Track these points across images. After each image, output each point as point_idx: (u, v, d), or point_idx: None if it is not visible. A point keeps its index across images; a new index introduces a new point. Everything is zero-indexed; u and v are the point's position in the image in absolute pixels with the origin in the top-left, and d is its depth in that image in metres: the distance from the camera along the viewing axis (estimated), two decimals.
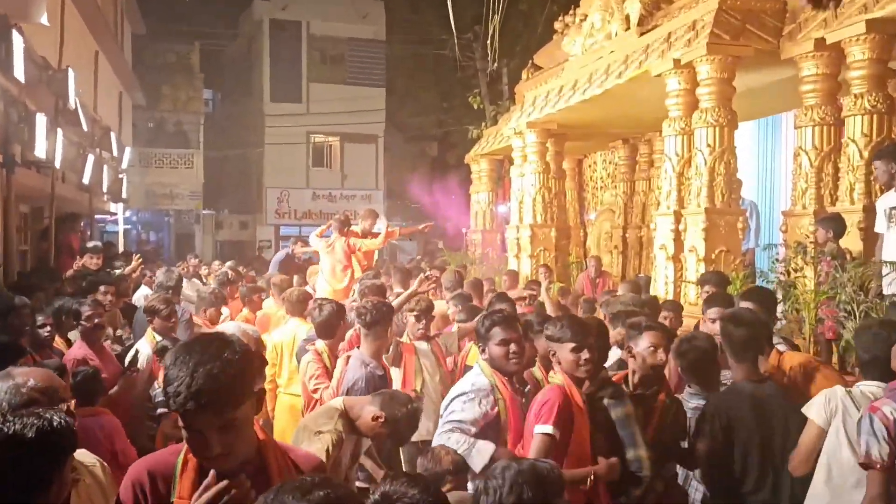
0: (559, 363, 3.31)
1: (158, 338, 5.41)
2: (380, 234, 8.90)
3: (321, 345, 4.75)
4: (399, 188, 30.99)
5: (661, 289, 7.54)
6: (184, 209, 26.73)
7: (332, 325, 4.73)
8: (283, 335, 5.82)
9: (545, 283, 7.93)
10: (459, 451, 3.22)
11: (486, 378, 3.51)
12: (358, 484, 3.65)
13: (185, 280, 8.49)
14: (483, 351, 3.58)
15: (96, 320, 4.96)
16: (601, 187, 14.20)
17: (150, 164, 25.40)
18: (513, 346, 3.52)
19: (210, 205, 28.51)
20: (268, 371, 5.53)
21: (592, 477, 3.10)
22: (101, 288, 6.41)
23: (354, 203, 27.76)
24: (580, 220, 14.59)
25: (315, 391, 4.47)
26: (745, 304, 4.28)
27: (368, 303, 4.42)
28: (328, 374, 4.55)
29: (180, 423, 1.91)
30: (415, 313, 5.07)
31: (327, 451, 3.04)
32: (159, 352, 5.01)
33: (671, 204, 7.48)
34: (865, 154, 6.00)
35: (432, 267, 11.69)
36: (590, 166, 14.62)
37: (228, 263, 14.70)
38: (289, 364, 5.58)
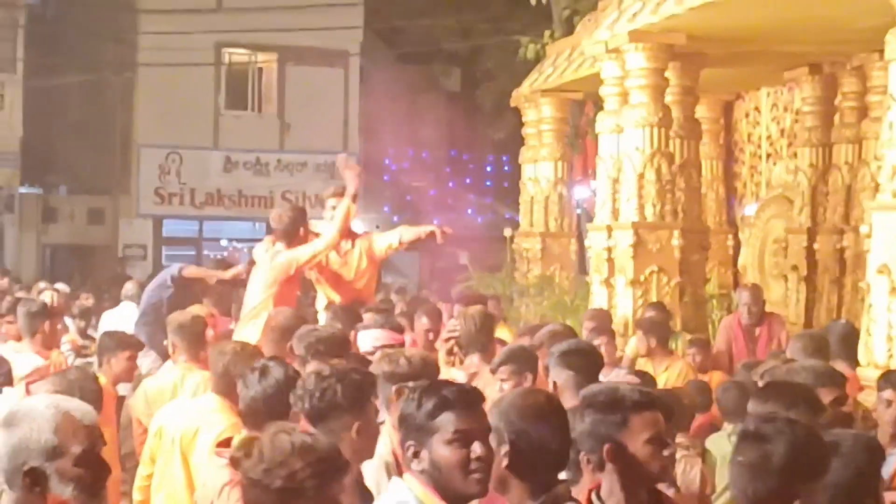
0: None
1: None
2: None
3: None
4: (386, 153, 31.10)
5: (879, 350, 7.58)
6: None
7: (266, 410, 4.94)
8: (185, 418, 6.00)
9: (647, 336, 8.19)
10: None
11: None
12: None
13: None
14: (416, 456, 3.84)
15: None
16: (769, 156, 14.18)
17: None
18: (477, 449, 3.77)
19: (34, 178, 28.74)
20: (143, 474, 6.08)
21: None
22: None
23: (303, 178, 27.89)
24: (727, 216, 14.57)
25: None
26: None
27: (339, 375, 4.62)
28: None
29: None
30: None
31: None
32: None
33: None
34: None
35: (447, 300, 11.67)
36: (747, 116, 14.64)
37: (59, 285, 14.83)
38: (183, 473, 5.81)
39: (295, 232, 9.27)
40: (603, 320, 9.39)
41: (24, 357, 8.07)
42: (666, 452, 4.02)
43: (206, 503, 4.76)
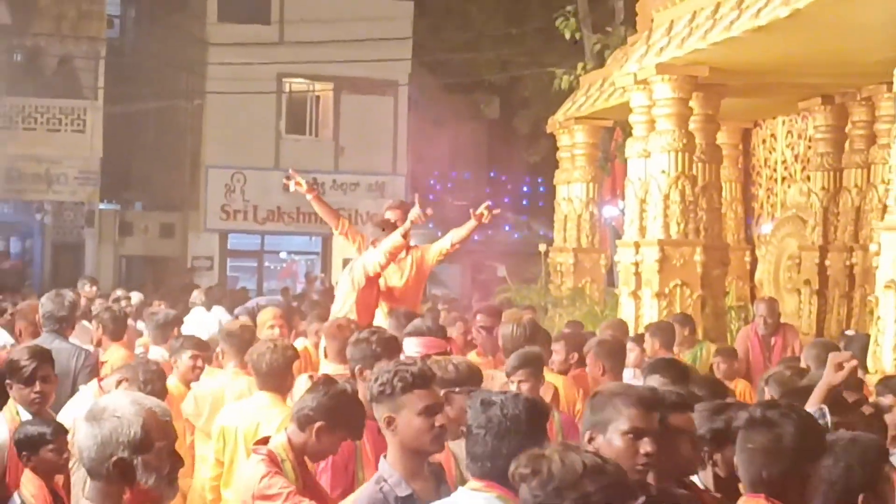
0: None
1: (23, 413, 5.52)
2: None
3: (281, 441, 4.94)
4: (431, 174, 31.17)
5: (886, 359, 7.58)
6: (68, 201, 27.29)
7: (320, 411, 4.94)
8: (244, 417, 6.06)
9: (679, 347, 8.25)
10: None
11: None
12: None
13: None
14: (389, 424, 4.10)
15: None
16: (783, 179, 14.13)
17: (12, 125, 25.99)
18: (438, 419, 4.04)
19: (112, 195, 29.02)
20: (211, 475, 6.07)
21: None
22: None
23: (355, 197, 28.00)
24: (745, 234, 14.52)
25: None
26: None
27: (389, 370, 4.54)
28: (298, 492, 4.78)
29: None
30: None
31: None
32: (21, 443, 5.10)
33: None
34: None
35: (483, 312, 11.71)
36: (764, 142, 14.59)
37: (134, 294, 14.92)
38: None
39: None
40: (618, 330, 9.39)
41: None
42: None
43: (246, 494, 4.83)
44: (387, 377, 4.15)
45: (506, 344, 7.44)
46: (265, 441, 5.04)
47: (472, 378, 5.22)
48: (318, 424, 4.88)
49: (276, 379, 6.13)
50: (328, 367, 6.79)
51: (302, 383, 6.41)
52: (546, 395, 6.56)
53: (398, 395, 4.12)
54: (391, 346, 6.10)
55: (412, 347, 6.70)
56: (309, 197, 9.89)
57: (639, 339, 9.10)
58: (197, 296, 12.83)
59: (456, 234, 9.52)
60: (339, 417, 4.94)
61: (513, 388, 6.12)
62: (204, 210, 27.71)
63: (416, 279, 9.47)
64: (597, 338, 7.79)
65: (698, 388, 5.81)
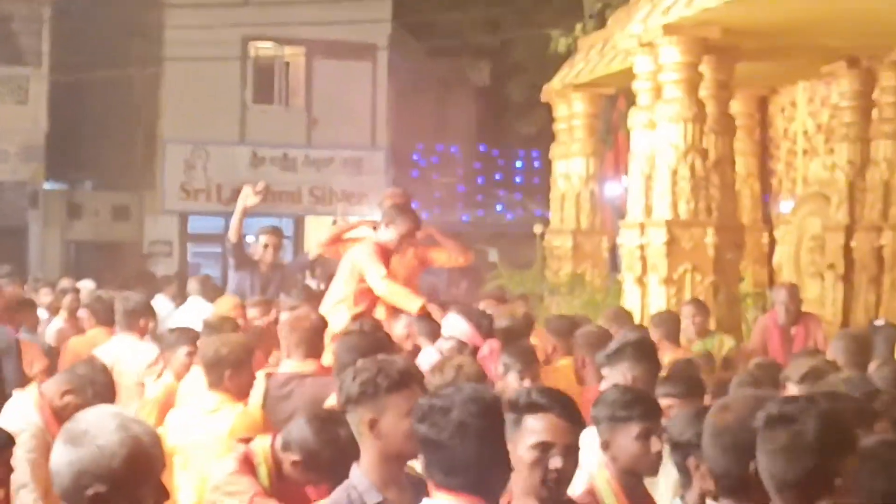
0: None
1: None
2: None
3: (264, 445, 5.12)
4: (414, 148, 31.13)
5: None
6: (9, 180, 27.18)
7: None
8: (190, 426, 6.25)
9: (691, 336, 8.35)
10: None
11: None
12: None
13: None
14: (371, 427, 4.09)
15: None
16: (805, 152, 14.14)
17: None
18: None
19: (59, 174, 28.89)
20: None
21: None
22: None
23: (329, 173, 27.94)
24: (762, 214, 14.54)
25: None
26: None
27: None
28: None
29: None
30: None
31: None
32: None
33: None
34: None
35: (479, 297, 11.71)
36: (783, 111, 14.60)
37: (84, 283, 14.87)
38: None
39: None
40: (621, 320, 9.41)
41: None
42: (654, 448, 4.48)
43: (208, 485, 5.08)
44: (369, 375, 4.15)
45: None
46: (248, 440, 5.19)
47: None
48: (293, 458, 5.02)
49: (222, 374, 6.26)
50: (288, 364, 6.85)
51: (259, 380, 6.58)
52: None
53: (382, 396, 4.11)
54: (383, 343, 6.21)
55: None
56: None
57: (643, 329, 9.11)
58: (194, 285, 12.90)
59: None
60: (319, 462, 5.01)
61: (511, 380, 6.29)
62: (161, 190, 27.62)
63: (417, 269, 9.76)
64: (581, 329, 7.82)
65: (672, 386, 5.85)
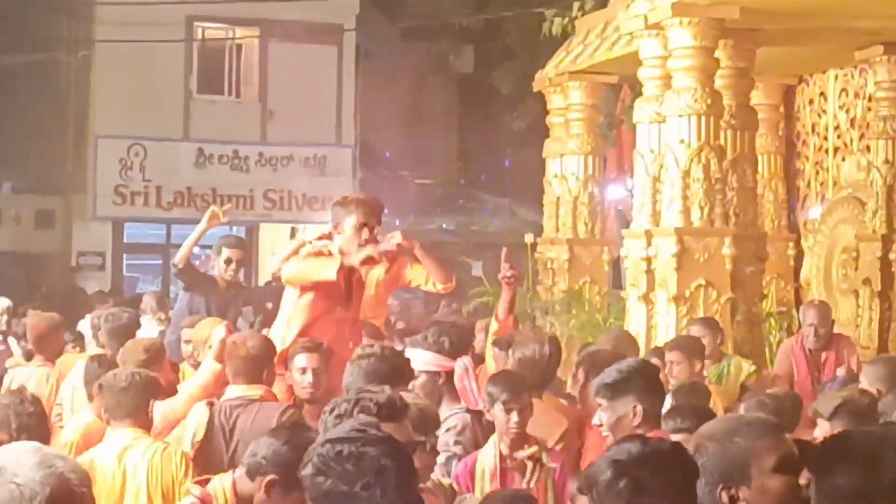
0: None
1: None
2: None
3: (223, 484, 5.27)
4: (386, 145, 31.13)
5: None
6: None
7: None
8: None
9: (704, 360, 8.36)
10: None
11: None
12: None
13: None
14: None
15: None
16: (836, 149, 14.18)
17: None
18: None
19: None
20: None
21: None
22: None
23: (288, 174, 27.93)
24: (787, 221, 14.58)
25: None
26: None
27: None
28: None
29: None
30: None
31: None
32: None
33: None
34: None
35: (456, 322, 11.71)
36: (811, 103, 14.65)
37: (1, 301, 14.93)
38: None
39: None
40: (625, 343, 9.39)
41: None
42: None
43: None
44: (345, 407, 4.21)
45: (525, 369, 7.34)
46: (206, 482, 5.29)
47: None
48: (269, 477, 5.05)
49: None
50: (232, 391, 7.05)
51: (198, 411, 6.76)
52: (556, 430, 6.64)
53: None
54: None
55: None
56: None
57: (657, 354, 9.11)
58: (149, 301, 12.91)
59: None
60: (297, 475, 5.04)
61: (497, 413, 6.31)
62: (93, 193, 27.58)
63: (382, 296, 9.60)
64: (591, 348, 7.83)
65: (681, 420, 5.88)
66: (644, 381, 5.98)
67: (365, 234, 8.47)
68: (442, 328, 7.73)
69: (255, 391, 6.88)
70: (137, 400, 6.30)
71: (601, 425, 5.86)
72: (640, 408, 5.80)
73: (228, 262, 11.26)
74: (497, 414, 6.40)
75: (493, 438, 6.39)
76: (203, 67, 28.34)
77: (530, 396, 6.54)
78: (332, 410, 4.31)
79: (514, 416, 6.25)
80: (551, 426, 6.69)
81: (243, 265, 11.85)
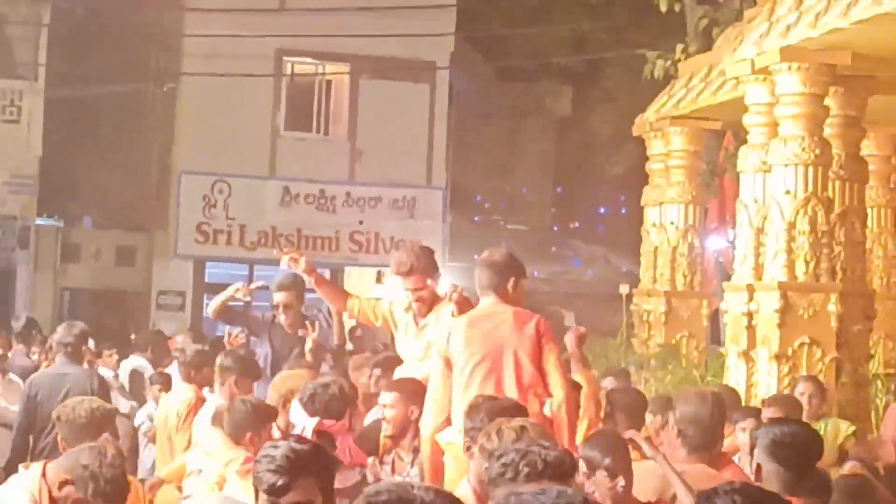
0: None
1: None
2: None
3: None
4: (478, 188, 31.19)
5: None
6: None
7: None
8: None
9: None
10: None
11: None
12: None
13: None
14: None
15: None
16: None
17: None
18: None
19: (53, 207, 29.18)
20: None
21: None
22: None
23: (376, 216, 28.04)
24: None
25: None
26: None
27: None
28: None
29: None
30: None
31: None
32: None
33: None
34: None
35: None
36: None
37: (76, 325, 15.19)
38: None
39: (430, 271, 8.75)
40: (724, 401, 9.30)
41: None
42: None
43: None
44: (512, 458, 4.52)
45: (688, 429, 7.02)
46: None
47: None
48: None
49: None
50: None
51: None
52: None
53: (521, 483, 4.34)
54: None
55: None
56: (309, 281, 9.94)
57: (754, 413, 9.07)
58: (182, 342, 13.23)
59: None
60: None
61: (600, 479, 6.07)
62: (175, 230, 27.83)
63: None
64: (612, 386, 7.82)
65: None
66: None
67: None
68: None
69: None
70: None
71: None
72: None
73: (277, 307, 11.01)
74: (600, 481, 6.02)
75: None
76: (291, 103, 28.51)
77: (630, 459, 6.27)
78: (500, 457, 4.38)
79: (620, 482, 6.01)
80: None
81: (299, 306, 11.12)
